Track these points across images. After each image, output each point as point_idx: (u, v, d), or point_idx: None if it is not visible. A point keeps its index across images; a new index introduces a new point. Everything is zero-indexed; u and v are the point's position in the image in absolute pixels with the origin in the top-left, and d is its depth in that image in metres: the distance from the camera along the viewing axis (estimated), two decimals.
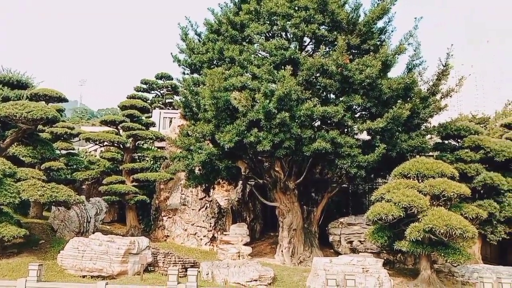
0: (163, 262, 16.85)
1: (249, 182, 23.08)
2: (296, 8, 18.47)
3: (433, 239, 14.81)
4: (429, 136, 20.70)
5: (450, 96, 19.52)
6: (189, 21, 21.00)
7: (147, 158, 25.58)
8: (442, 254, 15.24)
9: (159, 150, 25.87)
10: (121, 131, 24.37)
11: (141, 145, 25.30)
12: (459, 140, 21.72)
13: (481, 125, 34.49)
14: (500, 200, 20.19)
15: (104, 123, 24.55)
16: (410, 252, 15.50)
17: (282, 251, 19.95)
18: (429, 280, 15.50)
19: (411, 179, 16.09)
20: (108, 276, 15.19)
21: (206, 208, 23.18)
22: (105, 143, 24.00)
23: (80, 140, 25.07)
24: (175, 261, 16.96)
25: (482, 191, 20.51)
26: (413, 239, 14.51)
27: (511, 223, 21.00)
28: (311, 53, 19.84)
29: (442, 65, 18.68)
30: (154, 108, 34.55)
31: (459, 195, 15.11)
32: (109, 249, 15.47)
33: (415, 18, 17.92)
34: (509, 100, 56.90)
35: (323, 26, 18.66)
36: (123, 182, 22.54)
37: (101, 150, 26.29)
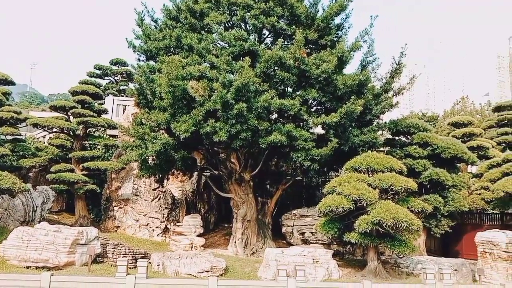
0: (113, 253, 16.48)
1: (205, 173, 22.90)
2: None
3: (380, 231, 15.35)
4: (380, 132, 21.36)
5: (402, 94, 20.21)
6: (146, 7, 20.40)
7: (98, 146, 24.82)
8: (389, 246, 15.87)
9: (111, 138, 25.14)
10: (71, 117, 23.46)
11: (93, 133, 24.49)
12: (408, 137, 22.54)
13: (430, 123, 35.97)
14: (444, 195, 21.22)
15: (54, 108, 23.53)
16: (359, 243, 16.00)
17: (235, 242, 20.01)
18: (375, 271, 16.07)
19: (362, 173, 16.57)
20: (54, 267, 14.69)
21: (159, 199, 22.80)
22: (54, 129, 23.07)
23: (27, 125, 23.90)
24: (125, 252, 16.60)
25: (428, 186, 21.45)
26: (362, 231, 14.98)
27: (454, 217, 22.18)
28: (270, 45, 19.85)
29: (396, 63, 19.29)
30: (108, 95, 33.49)
31: (407, 189, 15.74)
32: (55, 239, 14.96)
33: (371, 16, 18.38)
34: (457, 100, 59.88)
35: (282, 20, 18.72)
36: (72, 171, 21.74)
37: (50, 137, 25.21)
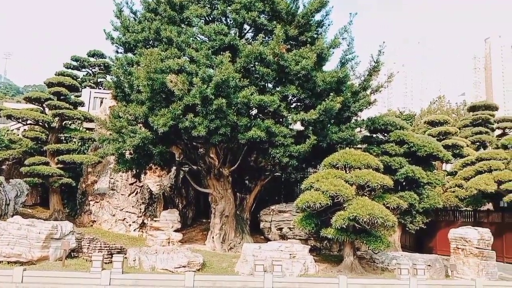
0: (88, 248, 16.23)
1: (183, 168, 22.72)
2: None
3: (357, 227, 15.52)
4: (358, 129, 21.57)
5: (380, 92, 20.42)
6: None
7: (74, 139, 24.35)
8: (365, 242, 16.07)
9: (87, 131, 24.73)
10: (47, 109, 22.94)
11: (68, 126, 24.02)
12: (385, 134, 22.84)
13: (408, 121, 36.56)
14: (420, 192, 21.60)
15: (29, 100, 22.99)
16: (335, 239, 16.14)
17: (213, 238, 19.97)
18: (351, 266, 16.27)
19: (340, 169, 16.70)
20: (27, 261, 14.39)
21: (136, 194, 22.55)
22: (29, 121, 22.53)
23: (1, 117, 23.28)
24: (100, 247, 16.37)
25: (404, 183, 21.79)
26: (339, 227, 15.12)
27: (428, 214, 22.63)
28: (250, 40, 19.80)
29: (374, 61, 19.45)
30: (85, 87, 32.90)
31: (383, 186, 15.95)
32: (29, 234, 14.66)
33: (350, 13, 18.49)
34: (434, 99, 61.04)
35: (263, 15, 18.68)
36: (47, 164, 21.29)
37: (25, 129, 24.62)
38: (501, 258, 21.65)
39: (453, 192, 24.89)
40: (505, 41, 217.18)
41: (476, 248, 16.53)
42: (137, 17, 20.54)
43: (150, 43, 19.13)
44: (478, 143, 34.90)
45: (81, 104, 24.63)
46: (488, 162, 23.01)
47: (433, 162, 23.86)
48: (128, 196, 22.44)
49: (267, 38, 19.15)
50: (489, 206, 25.11)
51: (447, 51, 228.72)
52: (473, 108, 39.60)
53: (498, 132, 38.24)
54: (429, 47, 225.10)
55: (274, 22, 18.21)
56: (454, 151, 28.78)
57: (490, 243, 16.81)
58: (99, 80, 40.57)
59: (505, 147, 24.56)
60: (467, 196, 23.88)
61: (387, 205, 16.66)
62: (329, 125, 18.49)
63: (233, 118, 16.47)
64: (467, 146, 31.27)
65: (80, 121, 24.55)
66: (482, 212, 24.55)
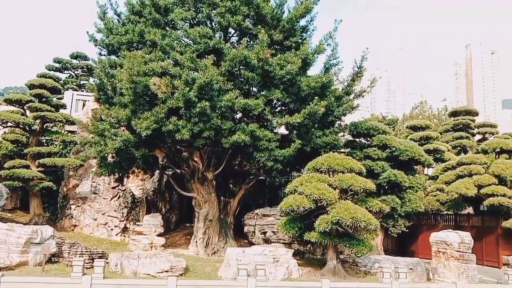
0: (69, 253, 15.97)
1: (167, 172, 22.56)
2: None
3: (340, 231, 15.63)
4: (341, 133, 21.73)
5: (363, 97, 20.65)
6: (109, 0, 19.89)
7: (55, 142, 23.98)
8: (348, 245, 16.18)
9: (69, 134, 24.38)
10: (28, 112, 22.54)
11: (50, 128, 23.69)
12: (368, 139, 23.08)
13: (390, 126, 37.05)
14: (402, 196, 21.87)
15: (9, 102, 22.58)
16: (319, 242, 16.22)
17: (196, 242, 19.83)
18: (334, 270, 16.35)
19: (323, 173, 16.79)
20: (5, 267, 14.13)
21: (118, 198, 22.28)
22: (9, 123, 22.14)
23: None
24: (81, 251, 16.11)
25: (386, 187, 22.05)
26: (322, 231, 15.19)
27: (410, 218, 22.92)
28: (235, 44, 19.81)
29: (357, 67, 19.67)
30: (67, 89, 32.45)
31: (365, 190, 16.09)
32: (7, 238, 14.41)
33: (335, 20, 18.64)
34: (416, 104, 61.95)
35: (248, 19, 18.70)
36: (27, 167, 20.91)
37: (4, 132, 24.10)
38: (481, 261, 22.04)
39: (435, 196, 25.26)
40: (485, 47, 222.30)
41: (457, 251, 16.80)
42: (121, 19, 20.37)
43: (134, 45, 18.97)
44: (459, 148, 35.56)
45: (63, 106, 24.29)
46: (469, 166, 23.43)
47: (415, 167, 24.20)
48: (110, 200, 22.16)
49: (252, 42, 19.17)
50: (470, 210, 25.57)
51: (429, 57, 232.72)
52: (454, 114, 40.36)
53: (478, 137, 39.06)
54: (410, 53, 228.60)
55: (259, 26, 18.27)
56: (436, 155, 29.25)
57: (471, 246, 17.10)
58: (82, 82, 40.08)
59: (485, 151, 25.03)
60: (448, 200, 24.25)
61: (370, 209, 16.82)
62: (313, 129, 18.58)
63: (217, 122, 16.42)
64: (448, 150, 31.83)
65: (61, 124, 24.19)
66: (463, 216, 24.96)
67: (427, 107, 58.19)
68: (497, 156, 24.75)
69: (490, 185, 21.91)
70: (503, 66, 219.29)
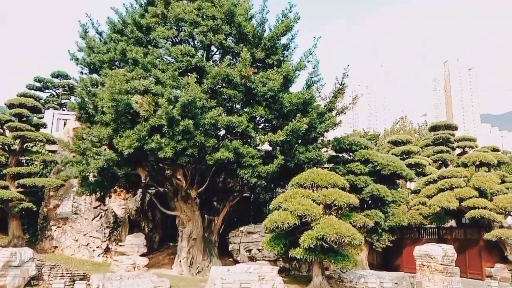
0: (49, 275, 15.58)
1: (149, 191, 22.30)
2: (204, 16, 18.47)
3: (325, 247, 15.58)
4: (324, 149, 21.89)
5: (345, 113, 20.89)
6: (90, 19, 19.88)
7: (36, 162, 23.56)
8: (333, 261, 16.09)
9: (50, 154, 24.02)
10: (7, 131, 22.15)
11: (30, 148, 23.29)
12: (351, 154, 23.30)
13: (372, 141, 37.52)
14: (385, 210, 22.00)
15: None
16: (304, 259, 16.11)
17: (180, 262, 19.54)
18: (320, 286, 16.24)
19: (307, 188, 16.81)
20: None
21: (100, 218, 21.88)
22: None
23: None
24: (62, 273, 15.74)
25: (370, 202, 22.18)
26: (307, 247, 15.10)
27: (394, 232, 23.03)
28: (218, 62, 19.94)
29: (339, 83, 19.96)
30: (48, 109, 32.03)
31: (349, 205, 16.13)
32: None
33: (314, 37, 18.95)
34: (397, 119, 62.96)
35: (230, 37, 18.89)
36: (6, 188, 20.45)
37: None
38: (465, 273, 22.21)
39: (417, 210, 25.48)
40: (463, 63, 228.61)
41: (441, 264, 16.90)
42: (102, 37, 20.36)
43: (116, 64, 18.96)
44: (439, 162, 36.13)
45: (44, 125, 23.95)
46: (450, 180, 23.77)
47: (397, 181, 24.45)
48: (92, 220, 21.75)
49: (234, 60, 19.33)
50: (452, 223, 25.85)
51: (408, 73, 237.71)
52: (434, 128, 41.13)
53: (458, 150, 39.78)
54: (391, 70, 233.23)
55: (241, 44, 18.44)
56: (417, 169, 29.63)
57: (454, 259, 17.23)
58: (63, 101, 39.72)
59: (465, 165, 25.48)
60: (430, 214, 24.48)
61: (354, 224, 16.84)
62: (296, 145, 18.70)
63: (201, 139, 16.38)
64: (429, 164, 32.28)
65: (42, 143, 23.83)
66: (446, 229, 25.21)
67: (407, 122, 59.19)
68: (477, 169, 25.22)
69: (471, 198, 22.24)
70: (480, 82, 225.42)
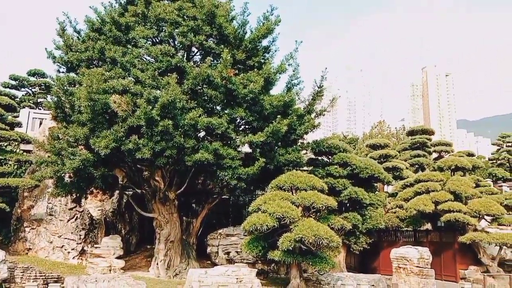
0: (22, 278, 15.28)
1: (127, 192, 21.97)
2: (185, 16, 18.36)
3: (303, 249, 15.64)
4: (304, 151, 22.01)
5: (323, 115, 21.09)
6: (68, 17, 19.51)
7: (9, 162, 22.93)
8: (311, 263, 16.17)
9: (25, 153, 23.45)
10: None
11: (4, 147, 22.66)
12: (330, 157, 23.47)
13: (351, 145, 37.93)
14: (363, 213, 22.23)
15: None
16: (282, 261, 16.11)
17: (157, 264, 19.30)
18: None
19: (286, 191, 16.84)
20: None
21: (76, 219, 21.44)
22: None
23: None
24: (35, 276, 15.43)
25: (348, 204, 22.37)
26: (285, 249, 15.12)
27: (371, 234, 23.28)
28: (199, 63, 19.82)
29: (317, 86, 20.11)
30: (23, 107, 31.29)
31: (327, 207, 16.23)
32: None
33: (296, 41, 19.10)
34: (375, 124, 63.86)
35: (211, 38, 18.83)
36: None
37: None
38: (440, 276, 22.57)
39: (394, 213, 25.82)
40: (440, 70, 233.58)
41: (417, 267, 17.16)
42: (80, 36, 20.00)
43: (94, 63, 18.66)
44: (416, 166, 36.77)
45: (19, 124, 23.43)
46: (426, 183, 24.15)
47: (375, 184, 24.75)
48: (67, 221, 21.29)
49: (215, 61, 19.27)
50: (428, 226, 26.25)
51: (387, 78, 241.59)
52: (411, 133, 41.83)
53: (434, 155, 40.58)
54: (370, 75, 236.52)
55: (222, 46, 18.39)
56: (395, 173, 30.09)
57: (429, 261, 17.52)
58: (39, 100, 38.88)
59: (441, 169, 25.94)
60: (407, 217, 24.83)
61: (332, 226, 16.92)
62: (276, 147, 18.73)
63: (180, 140, 16.24)
64: (407, 168, 32.83)
65: (16, 143, 23.26)
66: (422, 232, 25.60)
67: (386, 127, 60.07)
68: (452, 173, 25.71)
69: (446, 201, 22.62)
70: (457, 88, 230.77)
